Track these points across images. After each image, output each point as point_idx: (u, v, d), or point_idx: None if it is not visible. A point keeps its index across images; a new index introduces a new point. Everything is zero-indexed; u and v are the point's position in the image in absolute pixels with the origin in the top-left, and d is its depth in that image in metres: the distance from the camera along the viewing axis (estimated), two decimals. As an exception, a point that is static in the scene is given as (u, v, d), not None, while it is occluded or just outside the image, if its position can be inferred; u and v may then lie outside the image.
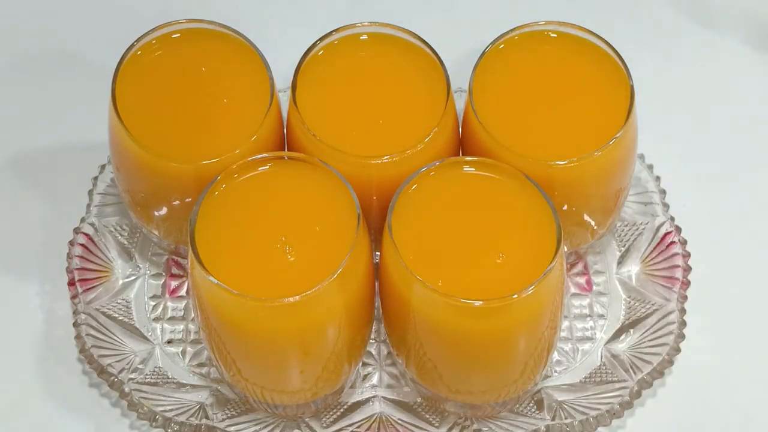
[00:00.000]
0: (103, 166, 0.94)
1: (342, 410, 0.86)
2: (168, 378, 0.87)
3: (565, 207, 0.84)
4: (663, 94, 1.01)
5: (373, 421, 0.85)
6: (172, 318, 0.90)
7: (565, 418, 0.84)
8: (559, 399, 0.85)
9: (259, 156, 0.80)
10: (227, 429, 0.84)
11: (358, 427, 0.85)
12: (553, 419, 0.84)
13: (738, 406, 0.87)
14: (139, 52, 0.85)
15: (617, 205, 0.88)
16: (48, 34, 1.04)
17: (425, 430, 0.85)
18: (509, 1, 1.07)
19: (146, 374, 0.86)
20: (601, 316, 0.89)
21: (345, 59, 0.86)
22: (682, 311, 0.88)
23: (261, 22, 1.04)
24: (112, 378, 0.85)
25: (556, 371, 0.87)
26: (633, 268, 0.91)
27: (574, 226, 0.86)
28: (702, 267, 0.91)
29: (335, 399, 0.85)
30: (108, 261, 0.91)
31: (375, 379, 0.87)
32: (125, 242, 0.92)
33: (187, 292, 0.90)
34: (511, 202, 0.79)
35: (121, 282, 0.91)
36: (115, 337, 0.87)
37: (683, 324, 0.87)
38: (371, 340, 0.88)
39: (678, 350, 0.86)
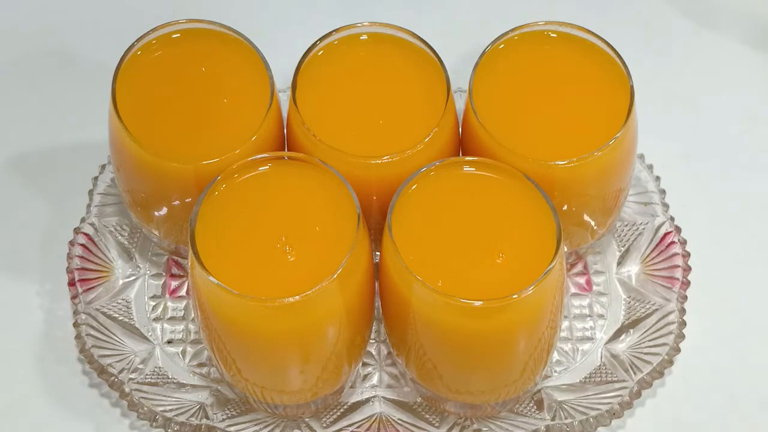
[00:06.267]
0: (103, 166, 0.94)
1: (342, 410, 0.86)
2: (168, 378, 0.87)
3: (565, 207, 0.84)
4: (663, 94, 1.01)
5: (373, 421, 0.85)
6: (172, 318, 0.90)
7: (565, 418, 0.84)
8: (559, 399, 0.85)
9: (259, 156, 0.80)
10: (227, 429, 0.84)
11: (358, 427, 0.85)
12: (553, 419, 0.84)
13: (738, 406, 0.87)
14: (139, 52, 0.85)
15: (617, 205, 0.88)
16: (48, 34, 1.04)
17: (425, 430, 0.85)
18: (509, 1, 1.07)
19: (146, 374, 0.86)
20: (601, 316, 0.89)
21: (345, 59, 0.86)
22: (682, 311, 0.88)
23: (261, 22, 1.04)
24: (112, 378, 0.85)
25: (556, 371, 0.87)
26: (633, 268, 0.91)
27: (574, 226, 0.86)
28: (702, 267, 0.91)
29: (335, 399, 0.85)
30: (108, 261, 0.91)
31: (375, 379, 0.87)
32: (125, 242, 0.92)
33: (187, 292, 0.90)
34: (511, 202, 0.79)
35: (121, 282, 0.91)
36: (115, 337, 0.87)
37: (683, 324, 0.87)
38: (371, 340, 0.88)
39: (678, 350, 0.86)
